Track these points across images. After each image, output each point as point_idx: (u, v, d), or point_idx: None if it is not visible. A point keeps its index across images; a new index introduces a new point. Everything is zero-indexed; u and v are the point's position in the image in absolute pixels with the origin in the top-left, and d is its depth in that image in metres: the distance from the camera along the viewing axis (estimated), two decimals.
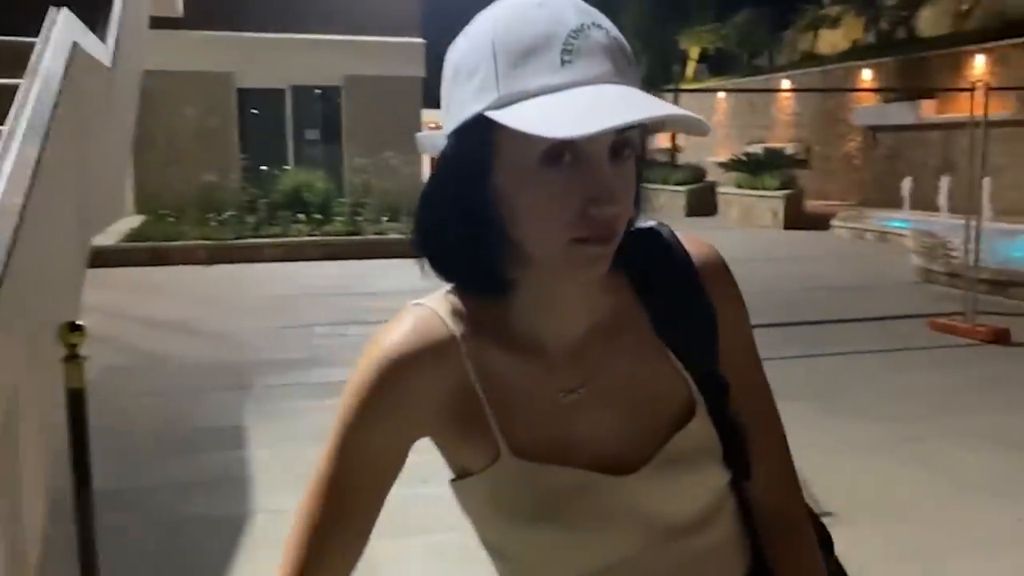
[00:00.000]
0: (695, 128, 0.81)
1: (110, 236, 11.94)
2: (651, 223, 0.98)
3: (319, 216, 13.58)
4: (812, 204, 18.07)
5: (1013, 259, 9.94)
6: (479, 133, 0.80)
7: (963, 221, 7.69)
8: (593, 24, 0.79)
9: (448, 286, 0.92)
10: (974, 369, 6.28)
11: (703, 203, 18.95)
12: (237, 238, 12.44)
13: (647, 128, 0.85)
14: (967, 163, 12.10)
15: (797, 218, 16.21)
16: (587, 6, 0.81)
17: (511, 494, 0.88)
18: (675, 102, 23.29)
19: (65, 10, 3.49)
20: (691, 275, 0.95)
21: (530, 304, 0.89)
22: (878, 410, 5.29)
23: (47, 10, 3.56)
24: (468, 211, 0.83)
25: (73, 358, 2.72)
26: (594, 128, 0.71)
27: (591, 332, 0.91)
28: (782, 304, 8.50)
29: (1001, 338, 6.89)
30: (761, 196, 16.74)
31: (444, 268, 0.89)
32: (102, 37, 4.40)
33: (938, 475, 4.26)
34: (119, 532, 3.56)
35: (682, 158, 24.60)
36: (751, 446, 0.96)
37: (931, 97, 18.29)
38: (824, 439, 4.77)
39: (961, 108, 16.53)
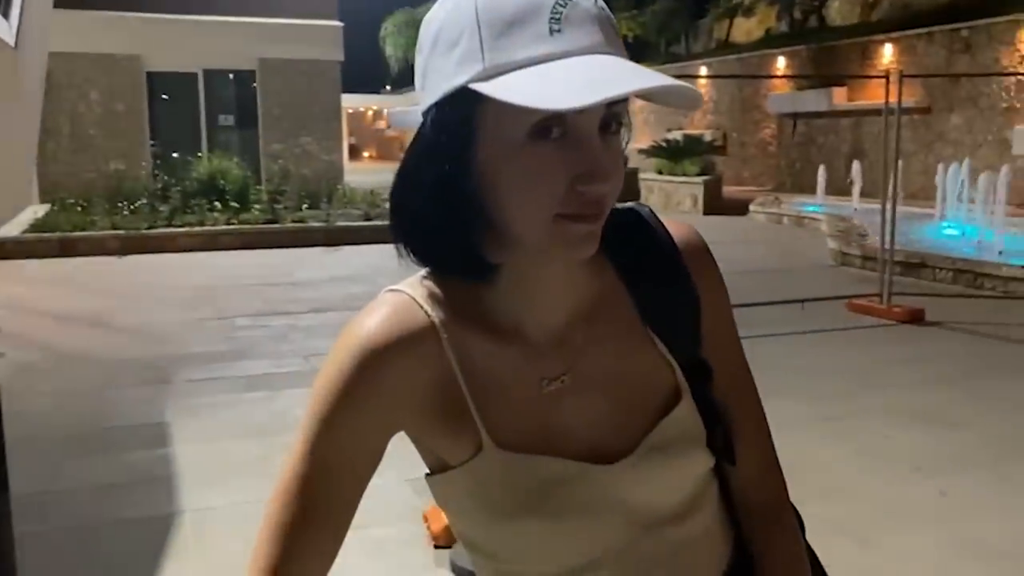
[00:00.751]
0: (688, 101, 0.77)
1: (13, 227, 11.39)
2: (630, 204, 0.94)
3: (236, 204, 13.23)
4: (730, 190, 18.46)
5: (924, 241, 10.31)
6: (461, 107, 0.75)
7: (875, 205, 7.94)
8: None
9: (424, 271, 0.87)
10: (891, 348, 6.49)
11: (625, 189, 18.79)
12: (150, 227, 12.03)
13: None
14: (877, 149, 12.52)
15: (716, 204, 16.53)
16: None
17: (494, 486, 0.84)
18: None
19: None
20: (675, 258, 0.92)
21: (512, 289, 0.84)
22: (800, 390, 5.40)
23: None
24: (449, 189, 0.78)
25: None
26: (593, 99, 0.67)
27: (574, 317, 0.87)
28: None
29: (916, 318, 7.14)
30: (681, 182, 17.01)
31: (422, 251, 0.84)
32: (4, 14, 4.14)
33: (860, 451, 4.38)
34: (36, 538, 3.39)
35: None
36: (735, 431, 0.94)
37: (842, 85, 18.84)
38: None
39: (871, 95, 17.12)
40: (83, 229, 11.73)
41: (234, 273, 10.05)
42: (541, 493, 0.84)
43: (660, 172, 17.71)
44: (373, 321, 0.83)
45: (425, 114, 0.79)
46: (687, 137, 18.79)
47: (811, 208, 14.48)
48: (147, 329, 7.26)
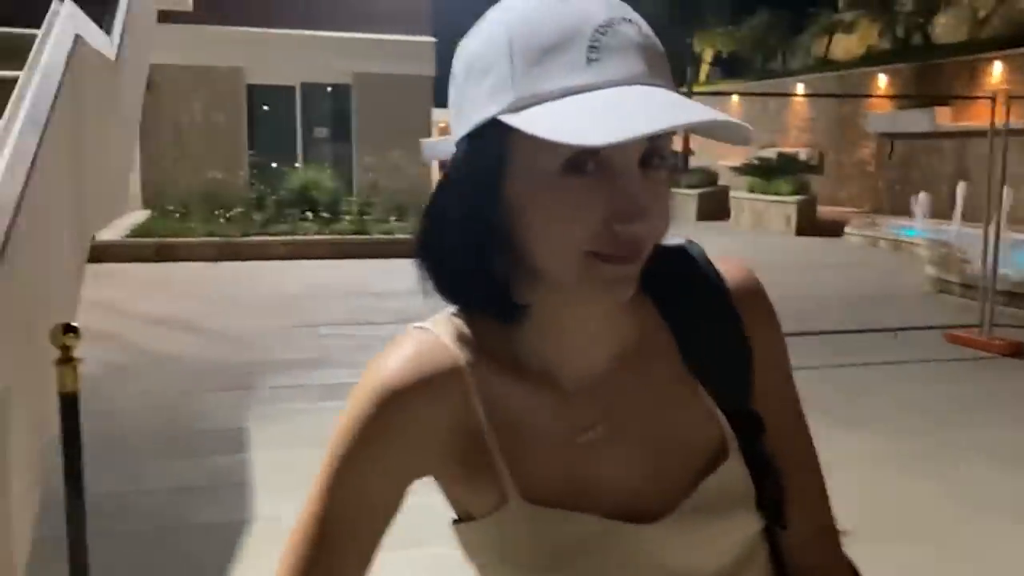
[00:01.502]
0: (738, 136, 0.71)
1: (115, 231, 11.89)
2: (679, 240, 0.87)
3: (327, 214, 13.52)
4: (825, 211, 17.94)
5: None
6: (492, 138, 0.71)
7: (978, 230, 7.57)
8: (623, 19, 0.70)
9: (452, 308, 0.83)
10: (990, 383, 6.16)
11: (715, 207, 18.83)
12: (244, 235, 12.38)
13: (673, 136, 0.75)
14: (983, 172, 11.96)
15: (810, 225, 16.08)
16: (617, 0, 0.72)
17: (520, 542, 0.79)
18: None
19: (68, 2, 3.41)
20: (725, 301, 0.85)
21: (544, 330, 0.79)
22: (891, 423, 5.18)
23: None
24: (478, 224, 0.74)
25: (67, 361, 2.63)
26: (626, 135, 0.62)
27: (611, 363, 0.81)
28: (792, 313, 8.37)
29: (1018, 351, 6.76)
30: (774, 201, 16.61)
31: (449, 288, 0.80)
32: (107, 30, 4.31)
33: (953, 493, 4.15)
34: (113, 536, 3.48)
35: (693, 161, 24.51)
36: (787, 492, 0.86)
37: (946, 104, 18.13)
38: (834, 453, 4.63)
39: (976, 116, 16.41)
40: (180, 235, 12.16)
41: (322, 282, 10.25)
42: (571, 552, 0.78)
43: (752, 191, 17.34)
44: (396, 361, 0.79)
45: (457, 145, 0.75)
46: (781, 155, 18.36)
47: (910, 232, 13.94)
48: (235, 334, 7.45)
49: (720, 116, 0.67)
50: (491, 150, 0.71)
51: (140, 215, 13.81)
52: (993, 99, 7.12)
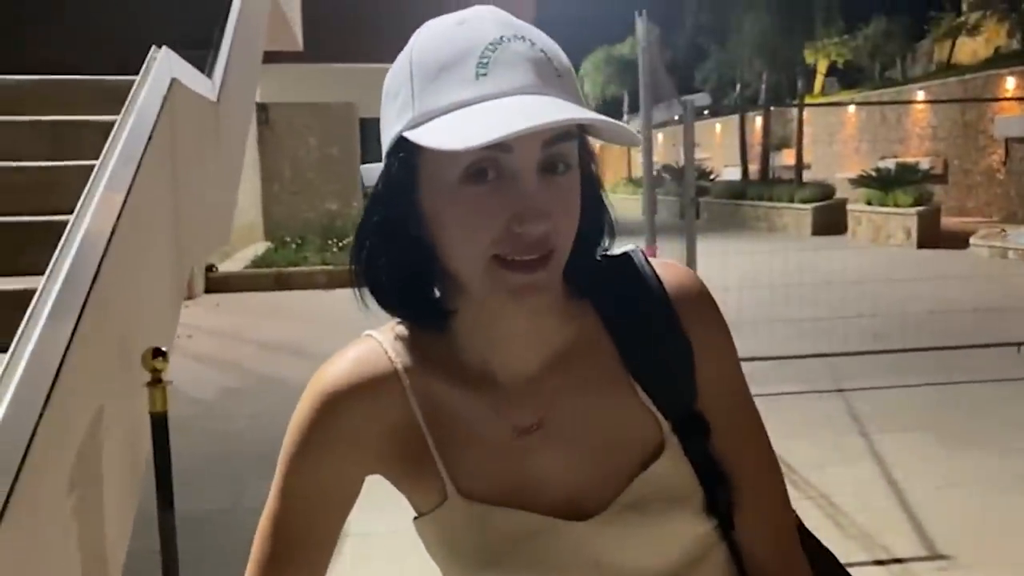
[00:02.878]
0: (623, 137, 0.74)
1: (237, 262, 12.52)
2: (626, 248, 0.90)
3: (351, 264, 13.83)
4: (950, 221, 17.09)
5: None
6: (403, 155, 0.76)
7: None
8: (515, 36, 0.74)
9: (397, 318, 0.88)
10: None
11: (831, 221, 18.23)
12: None
13: (586, 143, 0.78)
14: None
15: (932, 236, 15.33)
16: (514, 20, 0.76)
17: (460, 538, 0.83)
18: (800, 117, 22.39)
19: (165, 48, 3.65)
20: (663, 303, 0.86)
21: (475, 334, 0.83)
22: (1012, 444, 4.87)
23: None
24: (398, 237, 0.79)
25: (156, 383, 2.81)
26: (492, 136, 0.66)
27: (548, 365, 0.84)
28: (908, 328, 8.01)
29: None
30: (893, 213, 15.94)
31: (383, 299, 0.84)
32: (208, 73, 4.59)
33: None
34: (214, 552, 3.65)
35: (809, 175, 23.79)
36: (740, 494, 0.87)
37: None
38: (943, 473, 4.44)
39: None
40: (296, 265, 12.68)
41: None
42: (508, 548, 0.81)
43: (869, 203, 16.70)
44: (336, 367, 0.85)
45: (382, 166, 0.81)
46: (900, 165, 17.61)
47: None
48: None
49: (599, 117, 0.70)
50: (402, 166, 0.77)
51: (261, 246, 14.47)
52: None
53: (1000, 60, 21.63)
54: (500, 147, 0.69)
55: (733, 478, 0.86)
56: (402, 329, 0.87)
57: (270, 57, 7.96)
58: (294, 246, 13.89)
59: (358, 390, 0.83)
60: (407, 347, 0.85)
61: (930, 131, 22.15)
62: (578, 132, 0.76)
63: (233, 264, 12.32)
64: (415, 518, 0.88)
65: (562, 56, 0.77)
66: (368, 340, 0.88)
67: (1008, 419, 5.32)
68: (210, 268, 11.76)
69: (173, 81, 3.59)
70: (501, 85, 0.71)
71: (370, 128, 17.12)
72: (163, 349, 2.81)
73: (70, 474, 2.38)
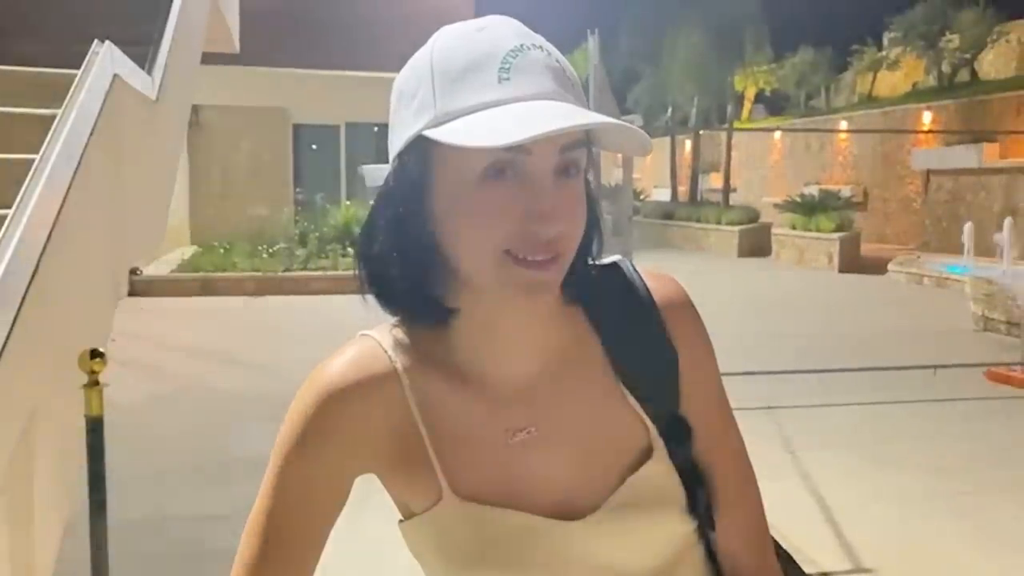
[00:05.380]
0: (637, 146, 0.78)
1: (161, 266, 12.20)
2: (614, 258, 0.93)
3: (356, 262, 13.70)
4: (870, 248, 17.72)
5: None
6: (418, 154, 0.78)
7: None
8: (533, 45, 0.77)
9: (394, 319, 0.88)
10: None
11: (757, 244, 18.72)
12: (286, 270, 12.60)
13: (592, 154, 0.81)
14: None
15: (853, 261, 15.87)
16: (528, 30, 0.80)
17: (453, 537, 0.84)
18: (729, 142, 23.01)
19: (108, 43, 3.57)
20: (651, 312, 0.89)
21: (475, 335, 0.85)
22: (928, 462, 5.08)
23: None
24: (407, 235, 0.80)
25: (93, 385, 2.73)
26: (522, 135, 0.68)
27: (542, 369, 0.86)
28: (832, 349, 8.29)
29: None
30: (816, 238, 16.45)
31: (386, 298, 0.85)
32: (148, 71, 4.49)
33: (988, 533, 4.05)
34: (139, 560, 3.55)
35: (736, 198, 24.39)
36: (718, 495, 0.90)
37: (993, 141, 17.86)
38: (869, 490, 4.60)
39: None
40: (225, 270, 12.42)
41: (360, 315, 10.34)
42: (501, 547, 0.83)
43: (794, 227, 17.20)
44: (335, 365, 0.85)
45: (391, 165, 0.81)
46: (823, 192, 18.21)
47: (954, 269, 13.69)
48: (272, 366, 7.56)
49: (614, 121, 0.73)
50: (417, 165, 0.78)
51: (187, 251, 14.14)
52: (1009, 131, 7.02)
53: (917, 95, 22.56)
54: (520, 149, 0.72)
55: (713, 480, 0.90)
56: (399, 330, 0.88)
57: (204, 58, 7.81)
58: (222, 251, 13.61)
59: (358, 388, 0.84)
60: (405, 347, 0.86)
61: (851, 160, 22.95)
62: (586, 140, 0.78)
63: (158, 268, 12.00)
64: (401, 521, 0.88)
65: (571, 67, 0.80)
66: (366, 339, 0.88)
67: (925, 438, 5.54)
68: (134, 271, 11.43)
69: (115, 77, 3.51)
70: (523, 89, 0.74)
71: (303, 134, 16.97)
72: (100, 350, 2.73)
73: (1, 478, 2.30)
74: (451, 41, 0.78)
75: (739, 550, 0.94)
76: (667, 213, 23.33)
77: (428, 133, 0.75)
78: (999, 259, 13.49)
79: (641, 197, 27.17)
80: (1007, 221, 13.61)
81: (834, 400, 6.37)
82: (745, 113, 31.34)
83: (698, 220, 21.22)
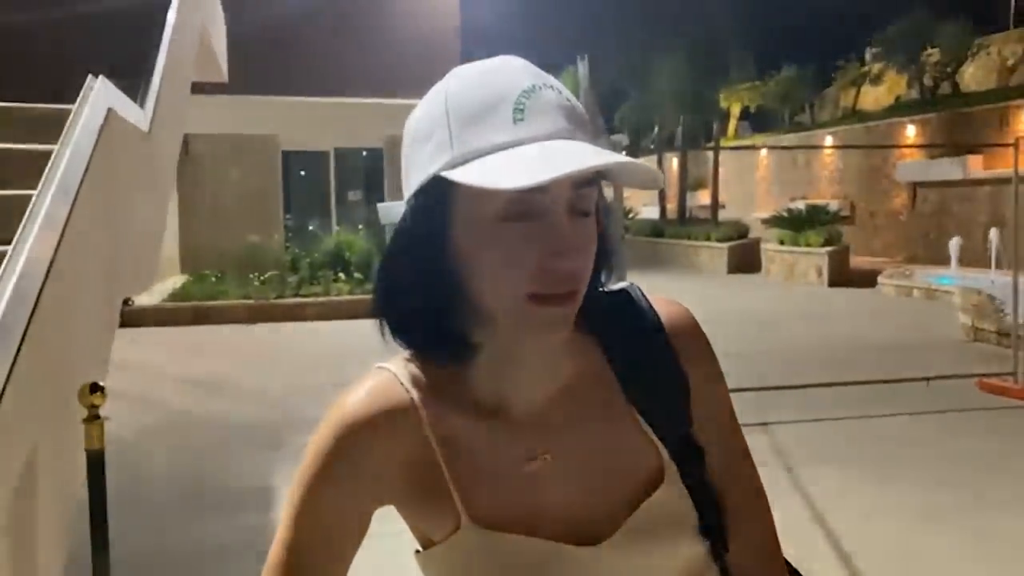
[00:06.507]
0: (649, 181, 0.80)
1: (154, 296, 12.17)
2: (622, 284, 0.95)
3: (360, 275, 13.73)
4: (858, 261, 17.81)
5: None
6: (436, 194, 0.80)
7: (1014, 278, 7.48)
8: (545, 85, 0.80)
9: (407, 352, 0.90)
10: (1018, 432, 6.04)
11: (746, 260, 18.79)
12: (278, 297, 12.59)
13: (601, 189, 0.84)
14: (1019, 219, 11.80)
15: (842, 275, 15.95)
16: (539, 70, 0.82)
17: (472, 565, 0.85)
18: (716, 159, 23.16)
19: (102, 78, 3.60)
20: (661, 337, 0.92)
21: (493, 368, 0.87)
22: (925, 474, 5.10)
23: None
24: (427, 272, 0.82)
25: (93, 419, 2.73)
26: (548, 176, 0.71)
27: (557, 396, 0.88)
28: (824, 364, 8.33)
29: None
30: (805, 253, 16.54)
31: (404, 334, 0.87)
32: (140, 103, 4.52)
33: (987, 546, 4.07)
34: None
35: (724, 215, 24.52)
36: (730, 516, 0.92)
37: (977, 152, 18.04)
38: (866, 505, 4.61)
39: (1010, 163, 16.27)
40: (217, 299, 12.40)
41: (354, 341, 10.33)
42: (521, 573, 0.84)
43: (782, 242, 17.29)
44: (354, 399, 0.87)
45: (407, 203, 0.83)
46: (811, 207, 18.32)
47: (943, 280, 13.79)
48: (267, 395, 7.56)
49: (628, 160, 0.76)
50: (436, 204, 0.80)
51: (178, 280, 14.12)
52: (1016, 145, 7.12)
53: (901, 108, 22.78)
54: (537, 188, 0.73)
55: (724, 500, 0.92)
56: (413, 364, 0.89)
57: (193, 88, 7.85)
58: (213, 279, 13.59)
59: (377, 421, 0.85)
60: (421, 379, 0.88)
61: (837, 174, 23.12)
62: (599, 176, 0.81)
63: (150, 298, 11.98)
64: (417, 552, 0.90)
65: (580, 106, 0.82)
66: (383, 372, 0.90)
67: (921, 451, 5.57)
68: (126, 302, 11.40)
69: (109, 111, 3.53)
70: (538, 130, 0.76)
71: (292, 161, 17.00)
72: (100, 384, 2.74)
73: (3, 516, 2.29)
74: (465, 82, 0.81)
75: (752, 567, 0.95)
76: (657, 231, 23.43)
77: (447, 174, 0.77)
78: (987, 270, 13.60)
79: (630, 216, 27.32)
80: (993, 232, 13.75)
81: (828, 414, 6.40)
82: (731, 130, 31.56)
83: (687, 237, 21.31)
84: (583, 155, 0.74)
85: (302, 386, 7.75)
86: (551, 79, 0.81)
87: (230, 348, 10.27)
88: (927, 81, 22.63)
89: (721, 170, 25.09)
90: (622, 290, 0.95)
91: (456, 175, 0.76)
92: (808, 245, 16.50)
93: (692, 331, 0.94)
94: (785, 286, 16.10)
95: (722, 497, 0.92)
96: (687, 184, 26.90)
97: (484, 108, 0.78)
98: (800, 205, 18.87)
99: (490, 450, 0.86)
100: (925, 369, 7.36)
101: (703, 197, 28.02)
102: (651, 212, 29.11)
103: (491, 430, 0.87)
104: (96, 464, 2.76)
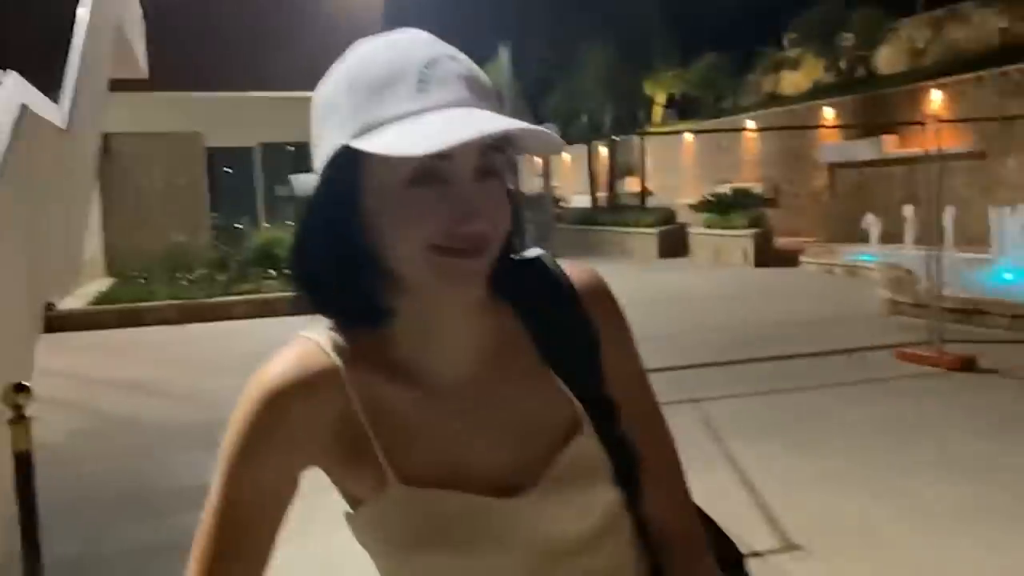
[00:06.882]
0: (552, 146, 0.85)
1: (79, 299, 11.84)
2: (535, 252, 1.00)
3: (290, 272, 13.56)
4: (782, 241, 18.28)
5: (979, 287, 10.04)
6: (345, 164, 0.83)
7: (929, 252, 7.80)
8: (448, 56, 0.83)
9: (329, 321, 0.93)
10: (941, 397, 6.32)
11: (675, 244, 19.14)
12: (208, 296, 12.36)
13: (512, 157, 0.88)
14: (935, 196, 12.27)
15: (767, 256, 16.37)
16: (441, 42, 0.85)
17: (399, 521, 0.89)
18: (642, 146, 23.45)
19: (14, 73, 3.51)
20: (572, 299, 0.97)
21: (412, 332, 0.90)
22: (846, 442, 5.30)
23: None
24: (341, 241, 0.85)
25: (19, 420, 2.69)
26: (444, 143, 0.74)
27: (476, 359, 0.93)
28: (751, 340, 8.56)
29: (968, 366, 6.95)
30: (731, 236, 16.92)
31: (323, 304, 0.90)
32: (55, 99, 4.42)
33: (907, 507, 4.25)
34: None
35: (653, 202, 24.91)
36: (643, 467, 0.98)
37: (892, 132, 18.65)
38: (793, 474, 4.78)
39: (923, 142, 16.86)
40: (144, 300, 12.12)
41: (284, 338, 10.23)
42: (445, 527, 0.88)
43: (709, 226, 17.66)
44: (276, 367, 0.90)
45: (319, 176, 0.87)
46: (735, 191, 18.74)
47: (863, 257, 14.26)
48: (198, 395, 7.43)
49: (528, 126, 0.81)
50: (345, 175, 0.84)
51: (104, 282, 13.75)
52: (924, 124, 7.41)
53: (818, 92, 23.41)
54: (441, 155, 0.77)
55: (637, 451, 0.98)
56: (336, 330, 0.92)
57: (113, 85, 7.67)
58: (141, 280, 13.28)
59: (299, 387, 0.88)
60: (343, 346, 0.91)
61: (761, 158, 23.65)
62: (504, 144, 0.85)
63: (75, 301, 11.65)
64: (347, 513, 0.93)
65: (484, 75, 0.86)
66: (305, 340, 0.92)
67: (845, 420, 5.79)
68: (48, 307, 11.08)
69: (23, 107, 3.45)
70: (441, 98, 0.80)
71: (218, 158, 16.70)
72: (25, 384, 2.70)
73: None
74: (367, 56, 0.84)
75: (665, 516, 1.02)
76: (588, 219, 23.67)
77: (353, 144, 0.80)
78: (904, 246, 14.11)
79: (561, 204, 27.52)
80: (907, 208, 14.27)
81: (755, 388, 6.59)
82: (657, 118, 32.00)
83: (618, 225, 21.59)
84: (482, 121, 0.78)
85: (234, 385, 7.49)
86: (452, 50, 0.84)
87: (160, 349, 10.06)
88: (843, 65, 23.29)
89: (649, 158, 25.46)
90: (534, 257, 0.99)
91: (362, 144, 0.79)
92: (734, 228, 16.88)
93: (601, 292, 0.99)
94: (712, 268, 16.46)
95: (635, 447, 0.97)
96: (617, 172, 27.22)
97: (388, 79, 0.81)
98: (725, 189, 19.28)
99: (414, 411, 0.90)
100: (846, 342, 7.64)
101: (632, 185, 28.39)
102: (582, 200, 29.38)
103: (413, 393, 0.90)
104: (23, 466, 2.71)
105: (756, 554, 3.71)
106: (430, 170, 0.80)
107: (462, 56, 0.85)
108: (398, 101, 0.80)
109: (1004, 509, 4.17)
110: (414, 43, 0.84)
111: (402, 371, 0.91)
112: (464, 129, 0.76)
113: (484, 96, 0.83)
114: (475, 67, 0.85)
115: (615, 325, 0.99)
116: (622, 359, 0.99)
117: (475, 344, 0.92)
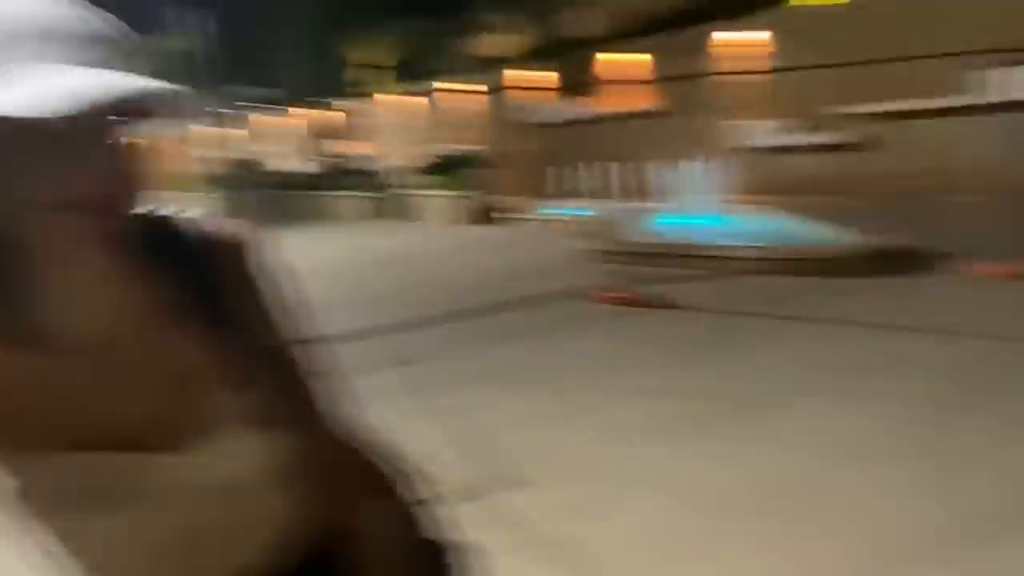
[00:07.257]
0: (178, 101, 0.88)
1: None
2: (164, 211, 1.03)
3: None
4: (492, 200, 19.10)
5: (661, 233, 11.04)
6: None
7: (623, 205, 8.53)
8: (74, 16, 0.84)
9: None
10: (632, 332, 6.97)
11: (396, 207, 19.34)
12: None
13: (125, 110, 0.87)
14: (625, 151, 13.34)
15: (484, 215, 17.10)
16: (72, 3, 0.86)
17: (45, 484, 0.89)
18: (357, 114, 23.07)
19: None
20: (204, 251, 1.02)
21: (43, 293, 0.88)
22: (558, 383, 5.63)
23: None
24: None
25: None
26: (51, 106, 0.76)
27: (116, 316, 0.92)
28: (459, 296, 8.88)
29: (654, 303, 7.70)
30: (444, 196, 17.47)
31: None
32: None
33: (613, 432, 4.63)
34: None
35: (370, 164, 24.87)
36: (287, 410, 1.02)
37: (588, 94, 19.96)
38: (502, 415, 4.97)
39: (615, 104, 18.21)
40: None
41: None
42: (93, 489, 0.90)
43: (426, 189, 18.05)
44: None
45: None
46: (447, 153, 19.28)
47: (565, 211, 15.26)
48: None
49: (145, 86, 0.83)
50: None
51: None
52: (599, 84, 8.05)
53: (524, 56, 24.44)
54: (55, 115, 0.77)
55: (279, 387, 1.03)
56: None
57: None
58: None
59: None
60: None
61: (470, 120, 24.35)
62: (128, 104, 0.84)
63: None
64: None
65: (115, 34, 0.87)
66: None
67: (550, 363, 6.20)
68: None
69: None
70: (61, 58, 0.81)
71: None
72: None
73: None
74: None
75: (318, 446, 1.05)
76: (305, 184, 23.34)
77: None
78: (605, 200, 15.26)
79: (269, 169, 26.66)
80: (596, 165, 15.39)
81: (459, 340, 6.93)
82: (374, 83, 31.74)
83: (336, 190, 21.45)
84: (101, 84, 0.79)
85: None
86: (86, 12, 0.85)
87: None
88: (543, 31, 24.47)
89: (367, 122, 25.30)
90: (167, 216, 1.03)
91: None
92: (447, 189, 17.43)
93: (237, 247, 1.06)
94: (435, 230, 16.84)
95: (279, 393, 1.02)
96: (333, 138, 26.77)
97: (7, 35, 0.81)
98: (438, 152, 19.73)
99: (45, 376, 0.87)
100: (547, 290, 8.15)
101: (353, 150, 28.09)
102: (303, 166, 28.63)
103: (50, 356, 0.88)
104: None
105: (475, 493, 3.85)
106: (49, 129, 0.80)
107: (92, 16, 0.85)
108: (13, 61, 0.80)
109: (695, 419, 4.73)
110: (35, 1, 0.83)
111: (35, 333, 0.88)
112: (80, 91, 0.77)
113: (110, 56, 0.84)
114: (105, 27, 0.86)
115: (241, 272, 1.05)
116: (251, 304, 1.05)
117: (105, 298, 0.92)
